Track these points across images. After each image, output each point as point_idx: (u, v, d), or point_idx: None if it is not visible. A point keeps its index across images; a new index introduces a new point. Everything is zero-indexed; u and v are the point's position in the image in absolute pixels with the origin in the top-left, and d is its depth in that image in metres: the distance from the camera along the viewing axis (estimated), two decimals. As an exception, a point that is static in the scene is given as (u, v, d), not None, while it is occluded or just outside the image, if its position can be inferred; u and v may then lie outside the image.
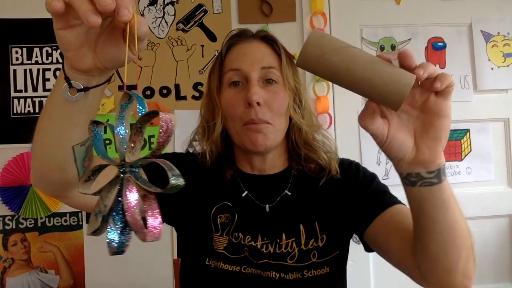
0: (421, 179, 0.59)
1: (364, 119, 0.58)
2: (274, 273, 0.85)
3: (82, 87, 0.54)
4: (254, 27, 0.97)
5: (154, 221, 0.40)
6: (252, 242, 0.87)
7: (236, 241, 0.87)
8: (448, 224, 0.62)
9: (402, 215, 0.79)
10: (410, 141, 0.59)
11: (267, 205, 0.90)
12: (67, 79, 0.53)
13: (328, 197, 0.91)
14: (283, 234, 0.87)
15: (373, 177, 0.92)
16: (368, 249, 0.88)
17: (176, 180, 0.40)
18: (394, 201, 0.86)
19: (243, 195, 0.91)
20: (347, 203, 0.90)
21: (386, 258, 0.83)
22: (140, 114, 0.42)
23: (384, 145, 0.60)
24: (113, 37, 0.52)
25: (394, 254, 0.79)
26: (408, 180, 0.61)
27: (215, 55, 1.84)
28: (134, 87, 1.81)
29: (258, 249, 0.86)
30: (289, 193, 0.91)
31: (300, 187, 0.92)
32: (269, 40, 0.91)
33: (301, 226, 0.88)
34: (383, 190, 0.89)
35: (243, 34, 0.92)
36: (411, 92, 0.55)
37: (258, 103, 0.83)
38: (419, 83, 0.57)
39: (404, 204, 0.80)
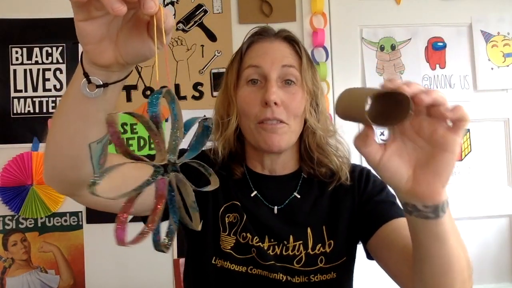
0: (416, 210, 0.56)
1: (357, 141, 0.56)
2: (281, 275, 0.84)
3: (102, 83, 0.51)
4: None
5: None
6: (260, 243, 0.86)
7: (244, 241, 0.86)
8: (442, 258, 0.60)
9: (406, 229, 0.75)
10: (405, 171, 0.55)
11: (276, 207, 0.89)
12: (86, 75, 0.51)
13: (337, 203, 0.90)
14: (291, 236, 0.87)
15: (383, 186, 0.90)
16: (369, 256, 0.87)
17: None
18: (400, 213, 0.82)
19: (252, 195, 0.90)
20: (355, 211, 0.89)
21: (385, 270, 0.81)
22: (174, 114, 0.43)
23: (375, 169, 0.57)
24: (136, 30, 0.49)
25: (392, 267, 0.78)
26: (404, 208, 0.59)
27: (215, 55, 1.84)
28: (134, 87, 1.81)
29: (265, 250, 0.86)
30: (298, 196, 0.90)
31: (309, 190, 0.91)
32: (291, 41, 0.90)
33: (309, 230, 0.87)
34: (391, 201, 0.87)
35: (265, 32, 0.91)
36: (417, 120, 0.53)
37: (275, 103, 0.82)
38: (429, 112, 0.53)
39: None
